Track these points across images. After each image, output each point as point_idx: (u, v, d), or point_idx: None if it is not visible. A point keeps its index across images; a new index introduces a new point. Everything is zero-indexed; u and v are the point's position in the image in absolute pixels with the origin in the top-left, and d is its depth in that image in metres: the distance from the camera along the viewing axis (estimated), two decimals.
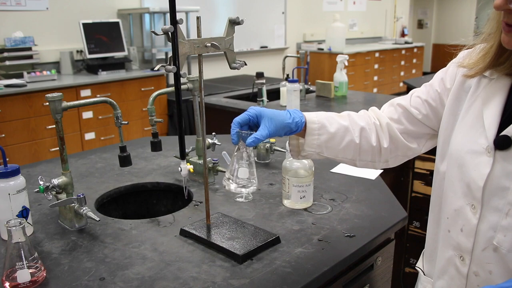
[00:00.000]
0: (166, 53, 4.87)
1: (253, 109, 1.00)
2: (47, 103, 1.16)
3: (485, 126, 0.88)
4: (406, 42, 7.98)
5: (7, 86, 3.50)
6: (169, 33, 0.95)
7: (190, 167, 1.12)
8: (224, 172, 1.49)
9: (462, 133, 0.93)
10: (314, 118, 1.03)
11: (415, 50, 8.13)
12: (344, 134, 1.04)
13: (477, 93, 0.92)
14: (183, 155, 1.08)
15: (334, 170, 1.63)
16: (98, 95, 3.90)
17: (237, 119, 0.98)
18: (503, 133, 0.84)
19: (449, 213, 0.95)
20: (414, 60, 8.18)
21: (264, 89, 2.77)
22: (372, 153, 1.06)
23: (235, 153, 1.02)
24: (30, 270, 0.95)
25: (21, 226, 0.93)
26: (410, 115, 1.05)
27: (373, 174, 1.56)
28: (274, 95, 3.39)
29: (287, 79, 2.87)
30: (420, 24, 10.60)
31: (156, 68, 1.12)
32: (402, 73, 7.85)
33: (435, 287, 1.02)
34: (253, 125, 1.00)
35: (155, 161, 1.77)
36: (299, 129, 1.02)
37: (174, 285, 0.97)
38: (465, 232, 0.90)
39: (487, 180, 0.86)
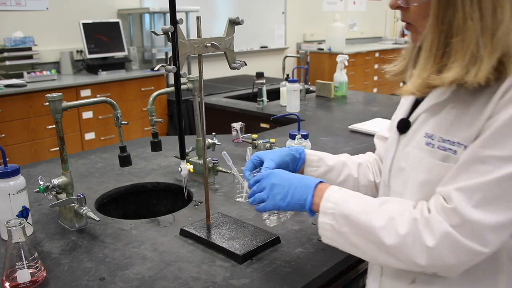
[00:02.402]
0: (166, 53, 4.87)
1: (255, 155, 1.07)
2: (47, 103, 1.16)
3: (397, 115, 0.97)
4: (406, 42, 7.90)
5: (7, 86, 3.50)
6: (169, 33, 0.95)
7: (190, 167, 1.12)
8: (224, 172, 1.50)
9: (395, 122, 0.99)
10: (313, 152, 1.11)
11: None
12: (341, 168, 1.10)
13: None
14: (183, 155, 1.08)
15: None
16: (98, 95, 3.90)
17: (245, 169, 1.05)
18: (406, 118, 0.91)
19: None
20: None
21: (264, 89, 2.78)
22: (371, 188, 1.11)
23: None
24: (30, 270, 0.95)
25: (21, 226, 0.93)
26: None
27: None
28: (274, 95, 3.38)
29: (287, 79, 2.87)
30: None
31: (156, 68, 1.12)
32: None
33: None
34: (260, 167, 1.06)
35: (155, 161, 1.77)
36: (301, 156, 1.08)
37: (174, 285, 0.97)
38: None
39: (392, 163, 0.92)
